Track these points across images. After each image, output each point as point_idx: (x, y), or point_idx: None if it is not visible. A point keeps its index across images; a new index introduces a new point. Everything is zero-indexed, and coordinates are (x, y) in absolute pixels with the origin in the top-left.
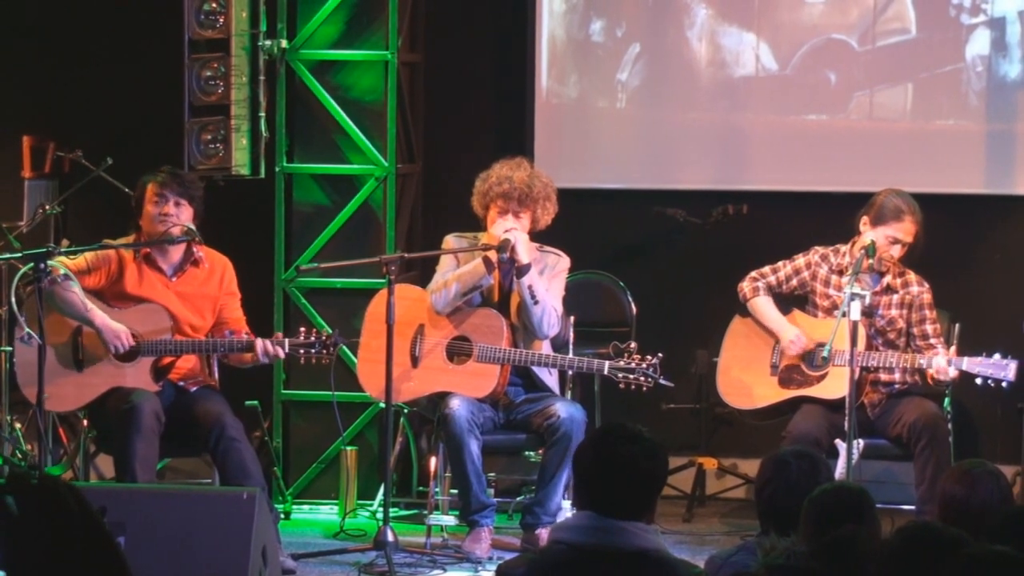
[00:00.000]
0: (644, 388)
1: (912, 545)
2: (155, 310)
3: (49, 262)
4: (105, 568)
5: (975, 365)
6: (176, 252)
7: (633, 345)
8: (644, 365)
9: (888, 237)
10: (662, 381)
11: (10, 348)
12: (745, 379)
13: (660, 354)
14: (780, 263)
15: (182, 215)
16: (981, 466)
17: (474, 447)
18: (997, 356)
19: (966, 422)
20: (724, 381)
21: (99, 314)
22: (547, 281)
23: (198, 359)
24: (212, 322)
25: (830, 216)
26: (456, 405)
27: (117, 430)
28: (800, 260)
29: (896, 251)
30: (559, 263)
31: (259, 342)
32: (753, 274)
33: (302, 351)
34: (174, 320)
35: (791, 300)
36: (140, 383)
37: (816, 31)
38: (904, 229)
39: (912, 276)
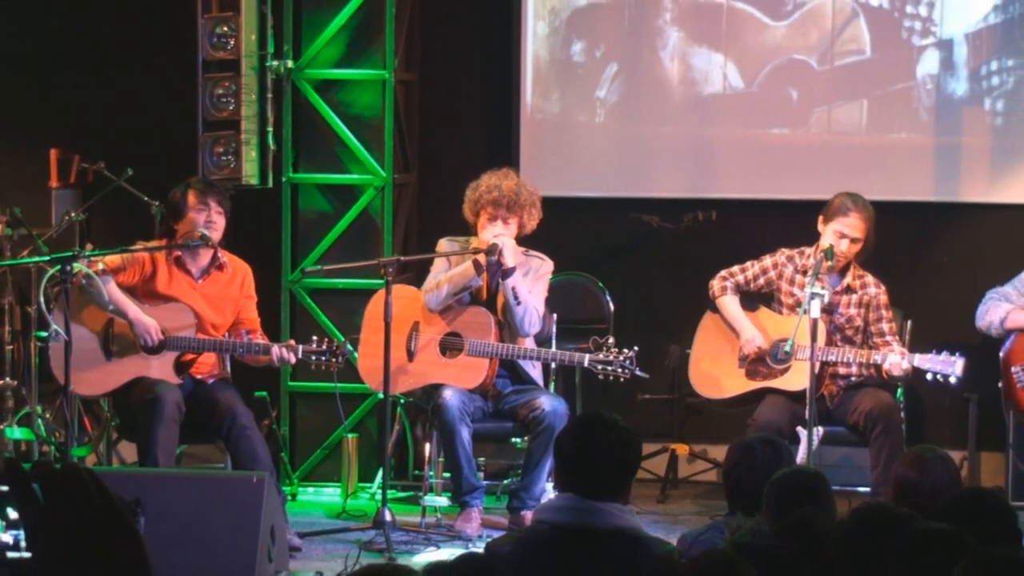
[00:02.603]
0: (621, 379)
1: (867, 523)
2: (181, 309)
3: (88, 259)
4: (124, 551)
5: (925, 361)
6: (204, 257)
7: (611, 340)
8: (621, 358)
9: (836, 232)
10: (638, 372)
11: (44, 334)
12: (715, 371)
13: (636, 348)
14: (748, 263)
15: (222, 222)
16: (932, 451)
17: (465, 434)
18: (945, 353)
19: (918, 411)
20: (695, 372)
21: (133, 308)
22: (531, 283)
23: (217, 356)
24: (231, 321)
25: (792, 222)
26: (448, 395)
27: (141, 418)
28: (767, 260)
29: (845, 246)
30: (543, 266)
31: (274, 349)
32: (723, 273)
33: (313, 358)
34: (198, 319)
35: (758, 298)
36: (163, 375)
37: (779, 52)
38: (849, 224)
39: (870, 278)
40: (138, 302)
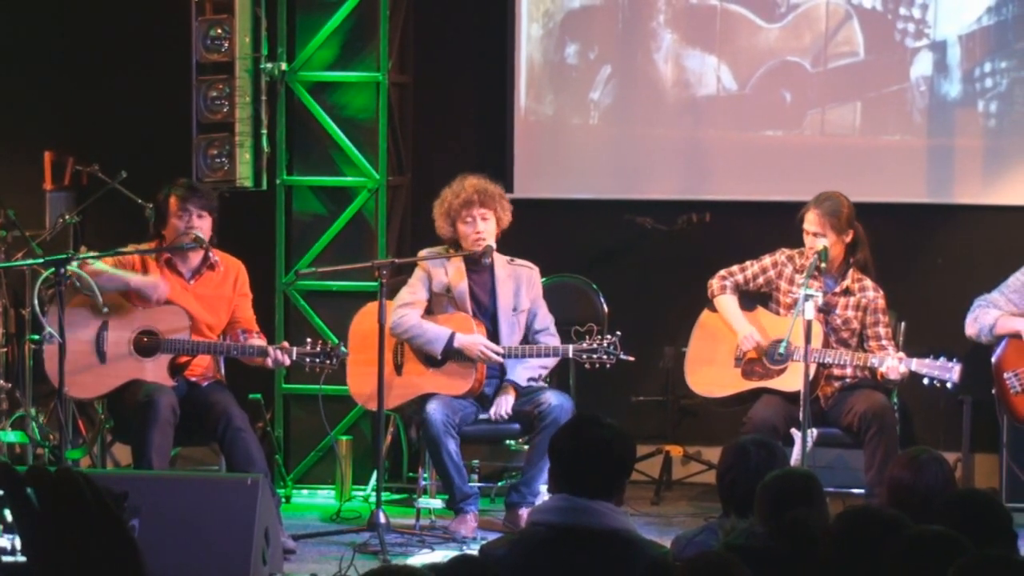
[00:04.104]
0: (607, 365)
1: (852, 527)
2: (175, 311)
3: (82, 260)
4: (119, 555)
5: (923, 366)
6: (195, 257)
7: (593, 327)
8: (605, 344)
9: (804, 231)
10: (622, 356)
11: (37, 336)
12: (710, 370)
13: (618, 332)
14: (748, 262)
15: (204, 226)
16: (926, 453)
17: (451, 445)
18: (943, 358)
19: (912, 412)
20: (691, 371)
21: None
22: (525, 297)
23: (211, 358)
24: (226, 321)
25: (785, 224)
26: (432, 409)
27: (136, 421)
28: (767, 260)
29: (810, 241)
30: (532, 276)
31: (270, 351)
32: (722, 272)
33: (308, 360)
34: (192, 320)
35: (756, 298)
36: (158, 378)
37: (772, 54)
38: (808, 220)
39: (869, 282)
40: (131, 305)
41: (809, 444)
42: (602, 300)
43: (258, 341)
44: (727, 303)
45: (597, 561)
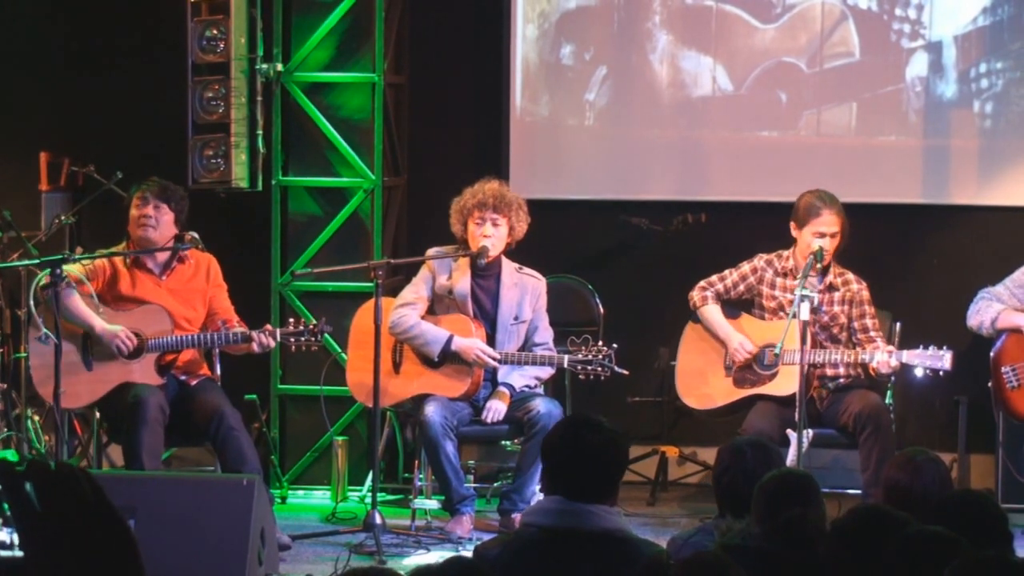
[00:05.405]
0: (602, 377)
1: (863, 524)
2: (156, 311)
3: (72, 264)
4: (116, 547)
5: (914, 357)
6: (163, 253)
7: (588, 339)
8: (600, 356)
9: (814, 233)
10: (617, 369)
11: (25, 355)
12: (701, 381)
13: (615, 345)
14: (727, 271)
15: (161, 218)
16: (923, 454)
17: (449, 448)
18: (932, 348)
19: (907, 412)
20: (682, 383)
21: (97, 320)
22: (528, 310)
23: (198, 353)
24: (204, 314)
25: (781, 224)
26: (431, 412)
27: (125, 422)
28: (746, 267)
29: (826, 243)
30: (538, 288)
31: (254, 335)
32: (702, 283)
33: (292, 339)
34: (173, 319)
35: (739, 305)
36: (146, 378)
37: (768, 55)
38: (825, 222)
39: (851, 275)
40: (109, 308)
41: (805, 445)
42: (598, 301)
43: (240, 329)
44: (712, 313)
45: (591, 562)
